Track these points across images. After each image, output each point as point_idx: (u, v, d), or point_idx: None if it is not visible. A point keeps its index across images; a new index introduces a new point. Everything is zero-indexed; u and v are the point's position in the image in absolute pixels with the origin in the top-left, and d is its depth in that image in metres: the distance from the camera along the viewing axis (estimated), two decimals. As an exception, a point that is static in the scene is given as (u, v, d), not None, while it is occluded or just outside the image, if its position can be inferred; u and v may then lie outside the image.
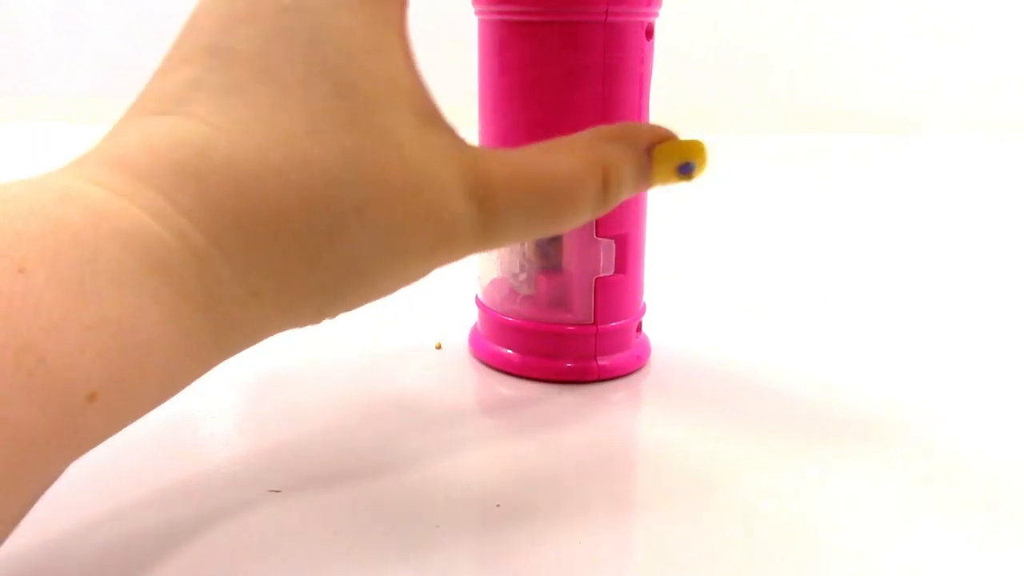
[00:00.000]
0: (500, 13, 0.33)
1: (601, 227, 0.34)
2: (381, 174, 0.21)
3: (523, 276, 0.36)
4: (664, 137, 0.26)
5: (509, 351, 0.36)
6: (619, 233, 0.34)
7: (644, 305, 0.37)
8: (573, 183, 0.24)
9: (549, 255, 0.35)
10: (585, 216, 0.25)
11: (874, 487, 0.28)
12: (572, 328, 0.35)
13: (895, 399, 0.35)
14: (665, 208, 0.41)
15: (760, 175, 0.85)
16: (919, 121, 1.09)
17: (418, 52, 0.23)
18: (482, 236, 0.23)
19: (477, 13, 0.34)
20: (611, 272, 0.35)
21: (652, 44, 0.34)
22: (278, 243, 0.20)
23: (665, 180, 0.26)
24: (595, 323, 0.35)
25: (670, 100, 0.51)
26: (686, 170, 0.26)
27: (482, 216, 0.22)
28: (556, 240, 0.34)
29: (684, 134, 0.26)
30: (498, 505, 0.27)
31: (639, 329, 0.37)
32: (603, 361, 0.36)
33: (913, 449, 0.31)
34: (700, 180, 0.26)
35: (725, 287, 0.49)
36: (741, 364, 0.38)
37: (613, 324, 0.35)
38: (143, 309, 0.18)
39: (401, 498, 0.27)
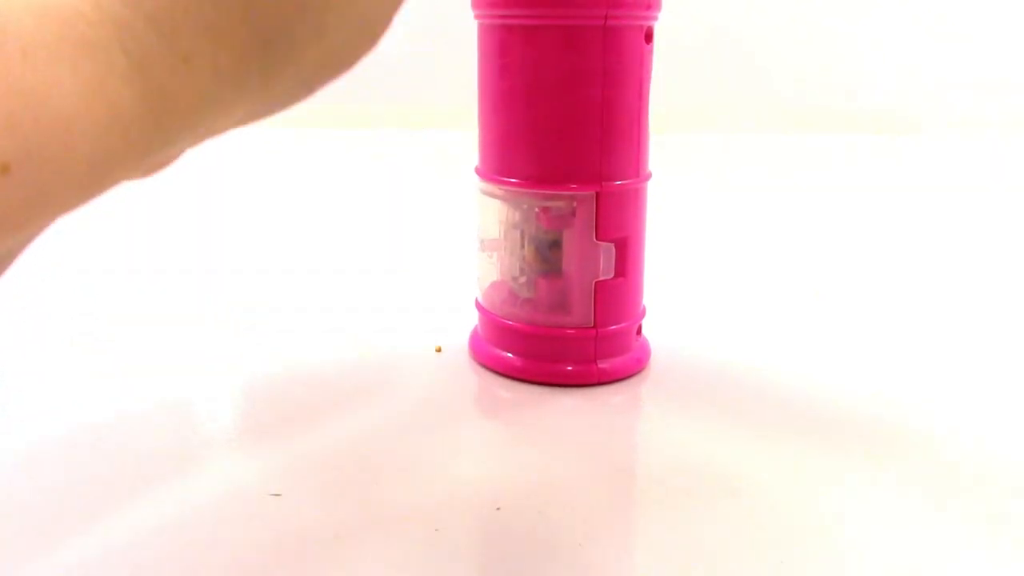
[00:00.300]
0: (500, 17, 0.33)
1: (601, 231, 0.34)
2: None
3: (523, 279, 0.36)
4: None
5: (509, 354, 0.36)
6: (619, 237, 0.34)
7: (644, 308, 0.38)
8: None
9: (549, 259, 0.35)
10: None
11: (875, 488, 0.28)
12: (572, 331, 0.35)
13: (896, 400, 0.35)
14: (664, 211, 0.41)
15: (760, 175, 0.85)
16: (919, 121, 1.09)
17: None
18: None
19: (477, 17, 0.34)
20: (611, 275, 0.35)
21: (651, 48, 0.34)
22: None
23: None
24: (595, 326, 0.35)
25: (670, 100, 0.51)
26: None
27: None
28: (556, 244, 0.34)
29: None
30: (498, 508, 0.27)
31: (639, 332, 0.38)
32: (603, 364, 0.36)
33: (915, 451, 0.31)
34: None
35: (724, 289, 0.50)
36: (741, 366, 0.38)
37: (613, 327, 0.35)
38: (60, 81, 0.18)
39: (401, 501, 0.27)
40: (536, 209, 0.34)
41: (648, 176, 0.35)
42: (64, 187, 0.18)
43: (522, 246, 0.35)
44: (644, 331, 0.38)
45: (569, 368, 0.35)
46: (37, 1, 0.18)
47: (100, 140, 0.18)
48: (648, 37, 0.33)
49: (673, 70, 0.49)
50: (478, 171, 0.36)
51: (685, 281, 0.50)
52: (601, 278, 0.35)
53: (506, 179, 0.34)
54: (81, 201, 0.19)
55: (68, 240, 0.57)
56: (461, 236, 0.44)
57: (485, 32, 0.34)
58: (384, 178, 0.83)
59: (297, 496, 0.27)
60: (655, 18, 0.34)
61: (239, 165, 0.82)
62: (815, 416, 0.34)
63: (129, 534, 0.25)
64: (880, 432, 0.32)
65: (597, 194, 0.34)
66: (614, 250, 0.34)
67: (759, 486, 0.29)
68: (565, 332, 0.35)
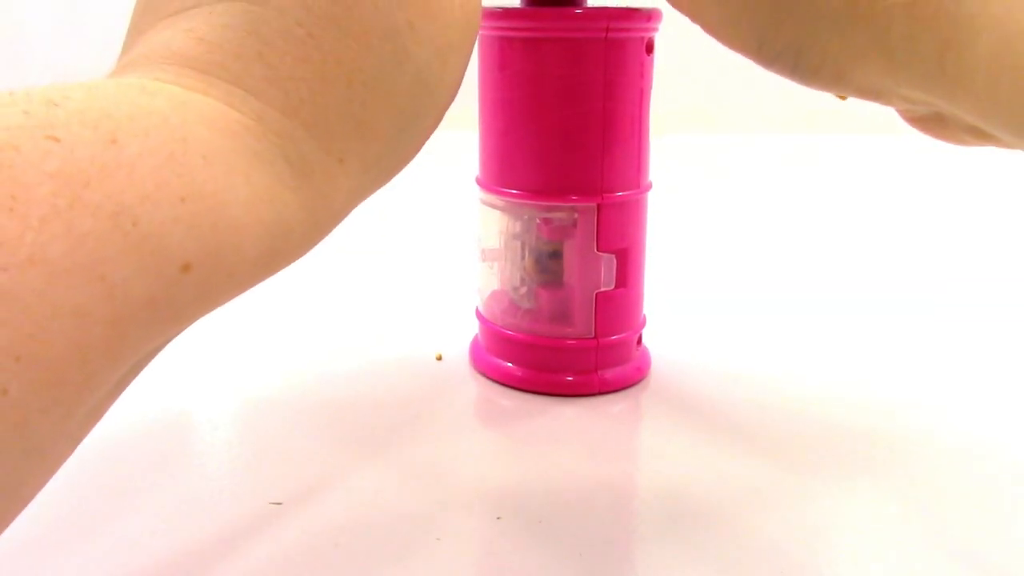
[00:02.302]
0: (502, 29, 0.33)
1: (602, 242, 0.34)
2: None
3: (523, 290, 0.36)
4: None
5: (510, 364, 0.36)
6: (620, 247, 0.35)
7: (644, 318, 0.38)
8: None
9: (549, 270, 0.35)
10: None
11: (876, 495, 0.29)
12: (573, 341, 0.35)
13: (898, 409, 0.35)
14: (665, 222, 0.41)
15: (760, 176, 0.85)
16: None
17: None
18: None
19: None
20: (611, 286, 0.35)
21: (652, 59, 0.34)
22: (352, 91, 0.21)
23: None
24: (596, 336, 0.35)
25: (671, 100, 0.51)
26: None
27: None
28: (556, 255, 0.35)
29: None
30: (499, 518, 0.27)
31: (639, 342, 0.38)
32: (604, 374, 0.36)
33: (922, 462, 0.31)
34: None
35: (725, 299, 0.50)
36: (741, 376, 0.38)
37: (614, 337, 0.36)
38: (235, 189, 0.19)
39: (402, 510, 0.27)
40: (537, 220, 0.34)
41: (649, 187, 0.36)
42: (230, 287, 0.19)
43: (523, 257, 0.35)
44: (644, 341, 0.38)
45: (569, 378, 0.36)
46: (207, 114, 0.19)
47: (266, 243, 0.19)
48: (649, 48, 0.34)
49: (674, 68, 0.50)
50: (479, 181, 0.36)
51: (685, 291, 0.50)
52: (602, 289, 0.35)
53: (507, 190, 0.34)
54: (234, 296, 0.20)
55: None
56: (462, 244, 0.45)
57: (486, 44, 0.34)
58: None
59: (297, 505, 0.27)
60: (656, 29, 0.34)
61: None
62: (817, 426, 0.34)
63: (129, 542, 0.25)
64: (885, 443, 0.32)
65: (598, 206, 0.34)
66: (615, 261, 0.35)
67: (760, 496, 0.29)
68: (565, 342, 0.35)
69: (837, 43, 0.24)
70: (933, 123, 0.26)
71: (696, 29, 0.30)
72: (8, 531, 0.17)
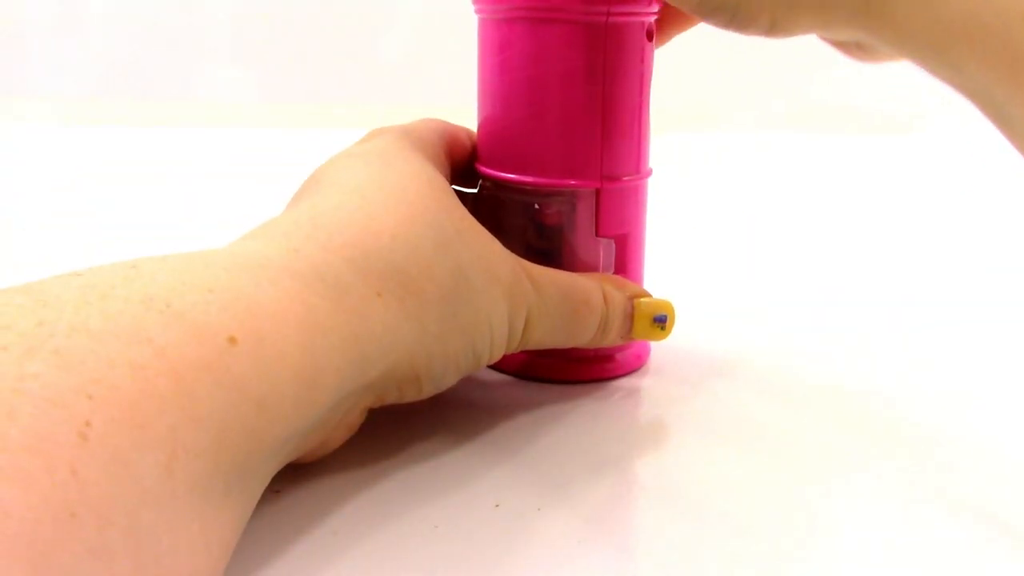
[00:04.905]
0: (500, 12, 0.33)
1: (602, 227, 0.34)
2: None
3: (523, 276, 0.35)
4: (642, 293, 0.34)
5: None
6: (619, 232, 0.34)
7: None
8: (588, 294, 0.32)
9: (549, 255, 0.35)
10: (590, 331, 0.32)
11: (876, 489, 0.28)
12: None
13: (899, 399, 0.35)
14: (665, 207, 0.41)
15: (760, 174, 0.85)
16: (918, 121, 1.08)
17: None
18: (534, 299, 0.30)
19: (477, 12, 0.34)
20: (611, 271, 0.35)
21: (653, 45, 0.34)
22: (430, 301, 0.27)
23: (643, 328, 0.33)
24: (595, 323, 0.35)
25: (671, 98, 0.51)
26: (660, 320, 0.33)
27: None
28: (556, 239, 0.34)
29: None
30: (497, 505, 0.27)
31: (639, 329, 0.37)
32: (603, 360, 0.36)
33: (921, 454, 0.31)
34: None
35: (726, 286, 0.49)
36: (742, 363, 0.38)
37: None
38: (265, 292, 0.23)
39: (400, 498, 0.27)
40: (536, 204, 0.34)
41: (649, 173, 0.35)
42: (282, 368, 0.22)
43: (522, 241, 0.35)
44: (644, 328, 0.38)
45: (568, 364, 0.35)
46: (261, 253, 0.25)
47: (302, 334, 0.23)
48: (650, 34, 0.33)
49: (674, 66, 0.49)
50: (477, 164, 0.36)
51: (686, 277, 0.50)
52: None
53: (506, 174, 0.34)
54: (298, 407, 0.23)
55: (69, 241, 0.57)
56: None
57: (485, 27, 0.34)
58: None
59: (296, 493, 0.27)
60: (656, 15, 0.33)
61: (240, 167, 0.82)
62: (818, 414, 0.34)
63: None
64: (888, 432, 0.32)
65: (598, 190, 0.33)
66: (615, 246, 0.34)
67: (760, 484, 0.28)
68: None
69: None
70: (852, 47, 0.30)
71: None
72: None
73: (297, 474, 0.28)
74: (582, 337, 0.32)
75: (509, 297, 0.29)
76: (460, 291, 0.27)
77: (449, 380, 0.29)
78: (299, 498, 0.27)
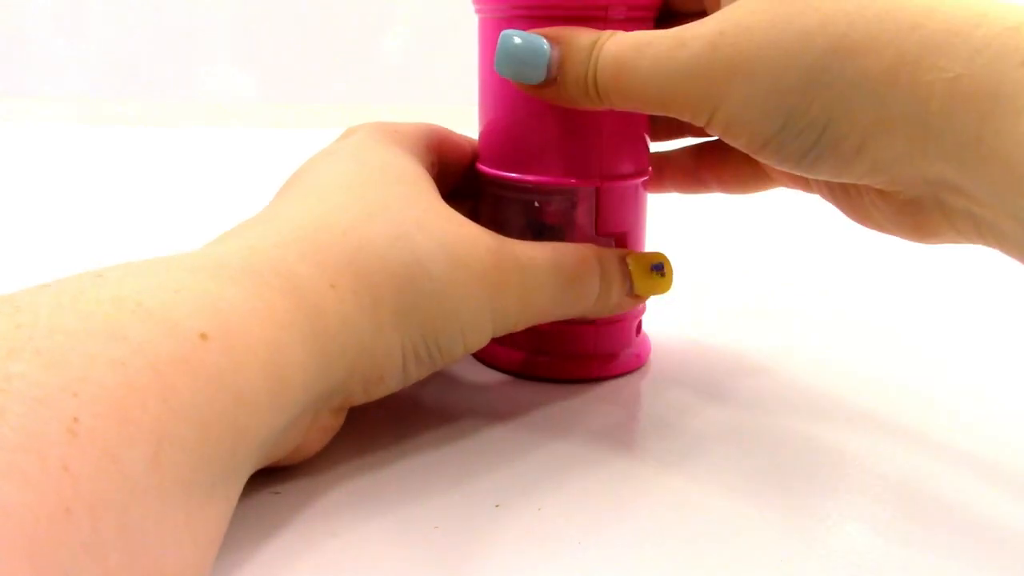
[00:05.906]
0: (500, 10, 0.33)
1: (602, 225, 0.34)
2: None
3: (523, 275, 0.35)
4: (632, 252, 0.34)
5: (508, 349, 0.36)
6: (620, 231, 0.34)
7: (644, 304, 0.37)
8: (580, 258, 0.31)
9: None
10: (592, 294, 0.32)
11: (876, 489, 0.28)
12: (572, 327, 0.35)
13: (900, 399, 0.35)
14: (665, 206, 0.41)
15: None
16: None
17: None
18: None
19: (477, 11, 0.34)
20: (611, 271, 0.34)
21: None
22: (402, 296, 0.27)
23: (643, 281, 0.33)
24: (595, 322, 0.35)
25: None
26: (658, 268, 0.33)
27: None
28: (556, 238, 0.34)
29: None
30: (497, 505, 0.27)
31: (639, 328, 0.37)
32: (603, 360, 0.35)
33: (922, 454, 0.31)
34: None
35: (726, 285, 0.49)
36: (742, 363, 0.38)
37: (613, 323, 0.35)
38: (230, 291, 0.23)
39: (400, 498, 0.27)
40: (536, 203, 0.34)
41: (649, 172, 0.35)
42: (253, 362, 0.23)
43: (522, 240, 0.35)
44: (644, 327, 0.38)
45: (568, 364, 0.35)
46: (244, 248, 0.26)
47: (266, 329, 0.23)
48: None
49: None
50: (478, 163, 0.36)
51: (686, 277, 0.50)
52: (601, 274, 0.34)
53: (505, 173, 0.34)
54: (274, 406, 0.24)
55: (69, 241, 0.57)
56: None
57: (485, 27, 0.34)
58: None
59: (295, 493, 0.27)
60: (655, 13, 0.33)
61: (240, 167, 0.82)
62: (817, 415, 0.33)
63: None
64: (888, 432, 0.32)
65: (598, 189, 0.33)
66: (615, 245, 0.34)
67: (760, 485, 0.28)
68: (565, 328, 0.35)
69: (871, 113, 0.24)
70: (909, 207, 0.26)
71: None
72: None
73: (297, 475, 0.28)
74: (585, 301, 0.31)
75: (484, 280, 0.28)
76: (418, 283, 0.27)
77: (415, 374, 0.28)
78: (299, 499, 0.27)
